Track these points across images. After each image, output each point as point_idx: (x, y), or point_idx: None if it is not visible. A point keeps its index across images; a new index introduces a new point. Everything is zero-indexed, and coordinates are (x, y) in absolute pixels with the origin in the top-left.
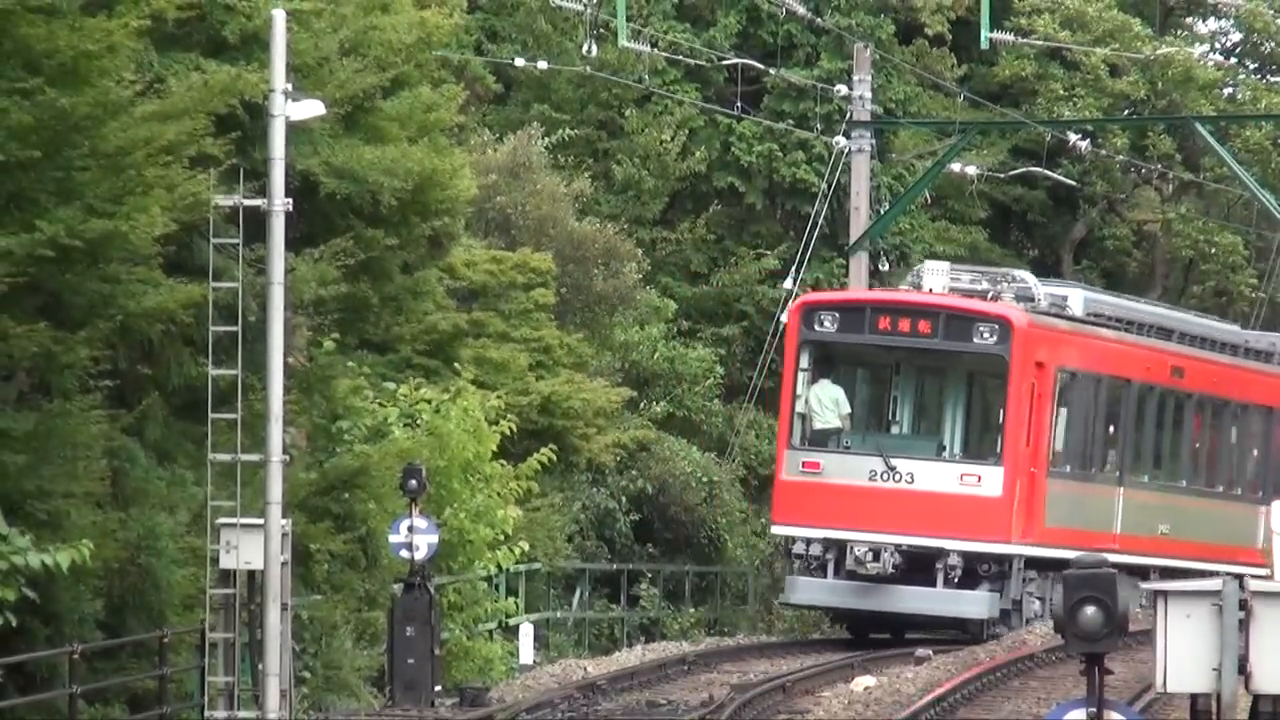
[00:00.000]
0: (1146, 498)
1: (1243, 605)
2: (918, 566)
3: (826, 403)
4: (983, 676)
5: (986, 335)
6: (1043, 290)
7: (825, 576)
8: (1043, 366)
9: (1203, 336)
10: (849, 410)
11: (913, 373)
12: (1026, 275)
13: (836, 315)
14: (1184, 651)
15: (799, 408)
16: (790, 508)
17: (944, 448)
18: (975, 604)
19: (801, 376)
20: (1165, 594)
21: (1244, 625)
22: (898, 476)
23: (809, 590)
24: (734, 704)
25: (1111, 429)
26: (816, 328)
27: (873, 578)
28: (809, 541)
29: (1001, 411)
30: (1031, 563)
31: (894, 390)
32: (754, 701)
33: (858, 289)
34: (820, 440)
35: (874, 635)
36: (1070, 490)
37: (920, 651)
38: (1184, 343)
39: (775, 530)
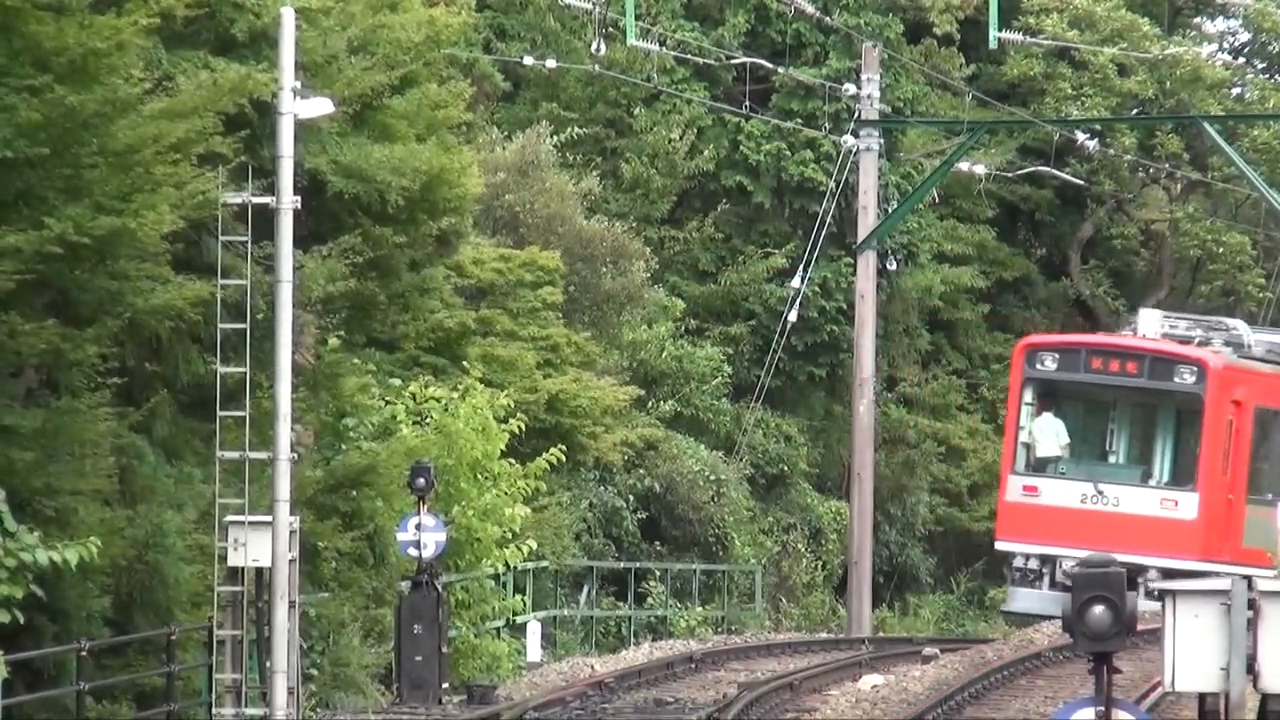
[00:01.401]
0: None
1: (1251, 605)
2: None
3: (1048, 433)
4: (990, 675)
5: (1186, 376)
6: (1254, 338)
7: (1040, 588)
8: (1240, 405)
9: None
10: (1067, 440)
11: (1124, 408)
12: (1239, 323)
13: (1056, 356)
14: (1192, 651)
15: (1022, 437)
16: (1011, 526)
17: (1149, 475)
18: None
19: (1025, 410)
20: (1173, 593)
21: (1252, 625)
22: (1105, 500)
23: (1025, 599)
24: (742, 702)
25: None
26: (1038, 366)
27: None
28: (1027, 556)
29: (1198, 444)
30: None
31: (1110, 424)
32: (762, 700)
33: (1077, 333)
34: (1040, 467)
35: None
36: (1271, 516)
37: (928, 650)
38: None
39: (998, 546)
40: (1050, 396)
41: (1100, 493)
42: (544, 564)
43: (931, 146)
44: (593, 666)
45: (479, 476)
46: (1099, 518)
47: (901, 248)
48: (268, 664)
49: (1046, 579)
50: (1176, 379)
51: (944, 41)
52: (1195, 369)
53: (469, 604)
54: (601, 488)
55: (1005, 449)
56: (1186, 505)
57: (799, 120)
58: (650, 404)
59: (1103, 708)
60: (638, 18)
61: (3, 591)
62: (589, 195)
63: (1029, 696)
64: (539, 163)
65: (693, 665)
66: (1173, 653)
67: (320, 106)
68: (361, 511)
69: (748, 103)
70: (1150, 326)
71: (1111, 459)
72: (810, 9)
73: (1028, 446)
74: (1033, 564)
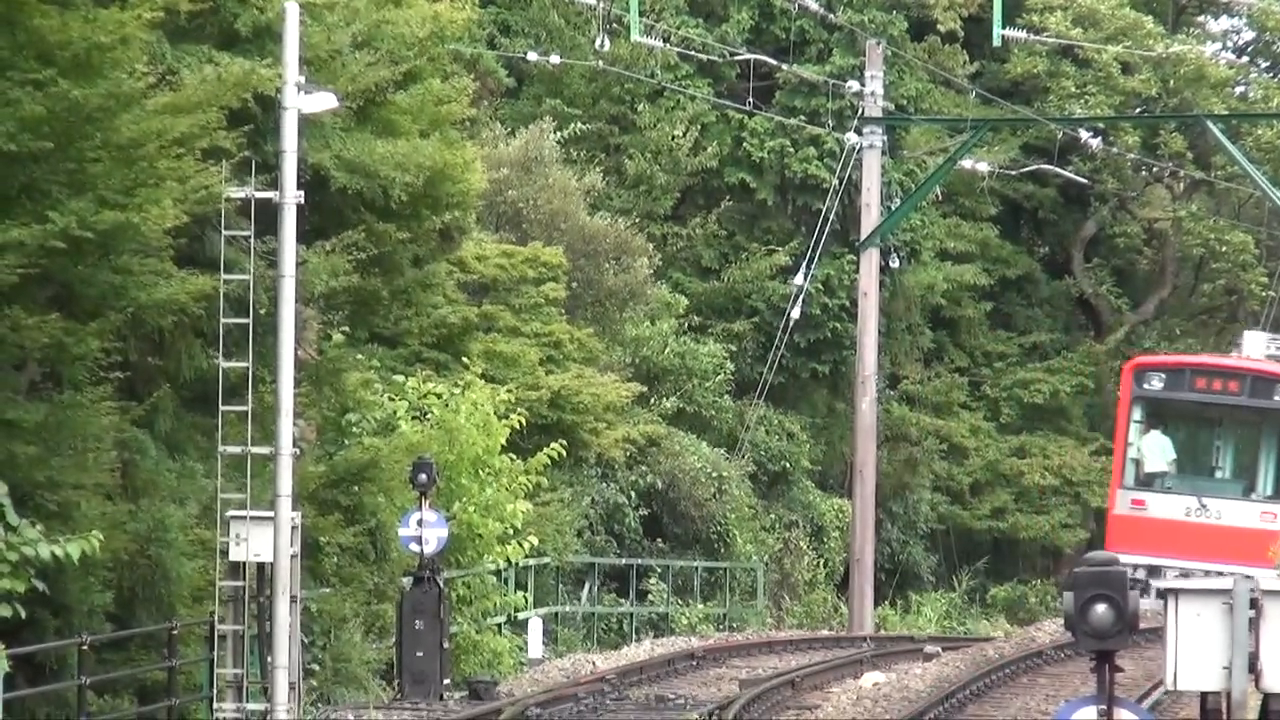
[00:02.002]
0: None
1: (1253, 604)
2: None
3: (1156, 450)
4: (992, 673)
5: None
6: None
7: (1148, 597)
8: None
9: None
10: (1174, 456)
11: (1227, 425)
12: None
13: (1163, 376)
14: (1194, 650)
15: (1131, 454)
16: (1120, 537)
17: (1250, 489)
18: None
19: (1134, 427)
20: (1176, 592)
21: (1254, 624)
22: (1208, 513)
23: None
24: (743, 699)
25: None
26: (1146, 386)
27: None
28: (1135, 566)
29: None
30: None
31: (1214, 440)
32: (763, 697)
33: (1183, 354)
34: (1147, 481)
35: None
36: None
37: (930, 648)
38: None
39: None
40: (1157, 415)
41: (1204, 506)
42: (545, 560)
43: (935, 144)
44: (594, 663)
45: (480, 472)
46: (1202, 530)
47: (904, 245)
48: (269, 659)
49: (1154, 589)
50: (1276, 397)
51: (947, 39)
52: None
53: (470, 600)
54: (603, 484)
55: (1115, 464)
56: None
57: (802, 117)
58: (652, 400)
59: (1105, 706)
60: (641, 14)
61: (4, 586)
62: (592, 191)
63: (1030, 695)
64: (542, 159)
65: (694, 662)
66: (1175, 651)
67: (324, 101)
68: (363, 507)
69: (751, 99)
70: (1254, 348)
71: (1217, 474)
72: (814, 6)
73: (1136, 462)
74: (1140, 574)
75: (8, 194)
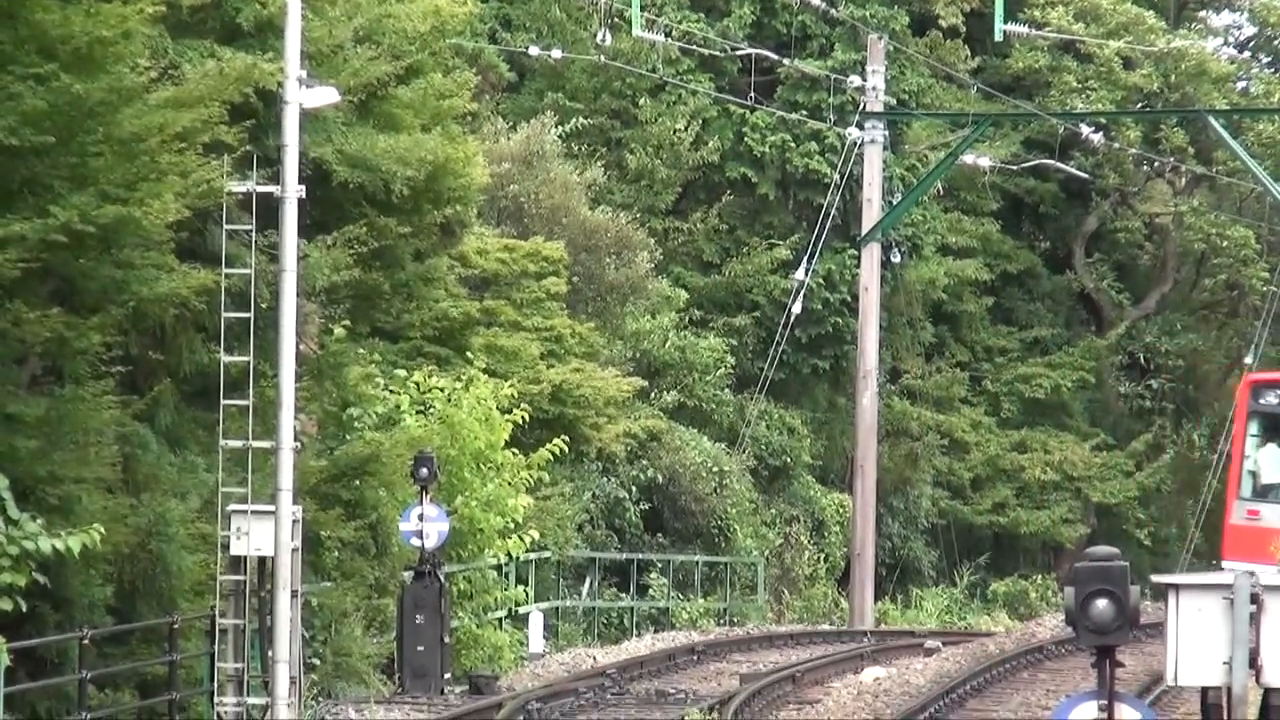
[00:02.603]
0: None
1: (1254, 599)
2: None
3: (1272, 462)
4: (992, 668)
5: None
6: None
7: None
8: None
9: None
10: None
11: None
12: None
13: (1278, 392)
14: (1195, 645)
15: (1248, 466)
16: (1236, 546)
17: None
18: None
19: (1251, 441)
20: (1177, 587)
21: (1255, 619)
22: None
23: None
24: (744, 694)
25: None
26: (1261, 401)
27: None
28: (1250, 574)
29: None
30: None
31: None
32: (764, 692)
33: None
34: (1263, 493)
35: None
36: None
37: (930, 643)
38: None
39: (1225, 565)
40: (1274, 428)
41: None
42: (546, 555)
43: (936, 139)
44: (594, 658)
45: (482, 467)
46: None
47: (906, 240)
48: (270, 653)
49: None
50: None
51: (949, 34)
52: None
53: (471, 594)
54: (604, 479)
55: (1230, 476)
56: None
57: (804, 112)
58: (653, 395)
59: (1105, 701)
60: (643, 8)
61: (6, 579)
62: (593, 186)
63: (1030, 689)
64: (544, 153)
65: (695, 657)
66: (1175, 647)
67: (325, 96)
68: (364, 501)
69: (753, 94)
70: None
71: None
72: (816, 1)
73: (1253, 474)
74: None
75: (9, 188)
